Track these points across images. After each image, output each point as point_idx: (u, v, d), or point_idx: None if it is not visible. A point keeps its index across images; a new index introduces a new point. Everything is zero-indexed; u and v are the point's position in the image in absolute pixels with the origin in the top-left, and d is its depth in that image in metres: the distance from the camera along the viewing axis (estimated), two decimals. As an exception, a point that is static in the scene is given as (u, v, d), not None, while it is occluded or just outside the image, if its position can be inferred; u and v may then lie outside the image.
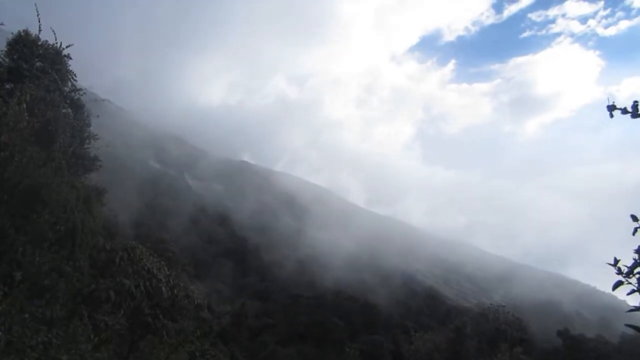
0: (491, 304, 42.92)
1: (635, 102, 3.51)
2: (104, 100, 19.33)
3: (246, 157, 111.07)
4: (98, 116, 15.62)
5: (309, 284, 71.45)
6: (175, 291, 13.03)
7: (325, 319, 61.35)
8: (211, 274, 65.98)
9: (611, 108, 3.59)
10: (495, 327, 35.47)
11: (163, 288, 12.49)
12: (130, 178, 71.32)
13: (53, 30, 14.55)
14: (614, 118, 3.76)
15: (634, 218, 3.75)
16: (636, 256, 3.80)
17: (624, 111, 3.56)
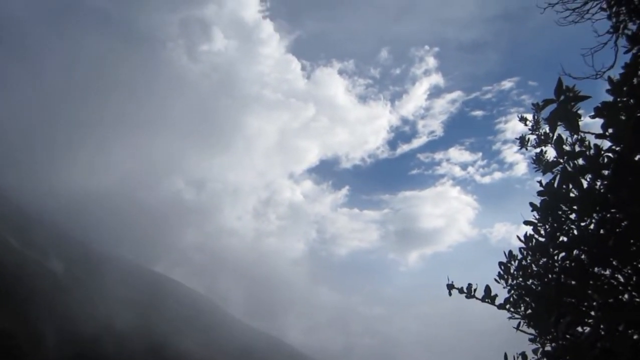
0: None
1: (470, 284, 4.10)
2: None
3: (126, 252, 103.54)
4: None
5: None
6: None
7: None
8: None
9: (450, 287, 4.15)
10: None
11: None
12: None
13: None
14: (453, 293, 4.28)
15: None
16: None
17: (461, 291, 4.14)
